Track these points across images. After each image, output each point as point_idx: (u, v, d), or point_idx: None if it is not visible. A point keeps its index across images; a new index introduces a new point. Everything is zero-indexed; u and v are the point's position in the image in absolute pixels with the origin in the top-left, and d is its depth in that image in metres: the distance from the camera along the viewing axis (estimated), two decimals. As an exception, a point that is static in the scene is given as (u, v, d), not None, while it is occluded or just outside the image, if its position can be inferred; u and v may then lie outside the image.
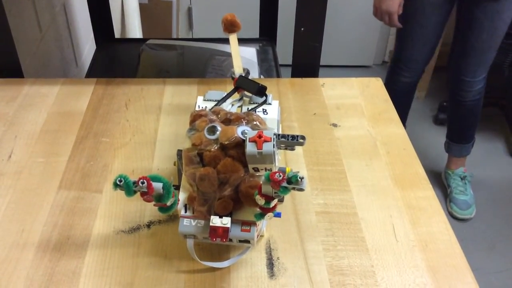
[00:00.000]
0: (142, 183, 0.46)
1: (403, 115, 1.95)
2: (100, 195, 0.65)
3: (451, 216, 1.88)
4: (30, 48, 1.15)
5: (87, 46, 1.58)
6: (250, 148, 0.49)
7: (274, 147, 0.50)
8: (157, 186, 0.47)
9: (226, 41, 1.20)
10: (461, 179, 1.93)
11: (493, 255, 1.72)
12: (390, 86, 1.85)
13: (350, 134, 0.76)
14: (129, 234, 0.60)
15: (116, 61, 1.29)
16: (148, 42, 1.23)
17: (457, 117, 1.87)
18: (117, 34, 1.53)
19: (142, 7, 2.02)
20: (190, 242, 0.54)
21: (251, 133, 0.50)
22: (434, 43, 1.74)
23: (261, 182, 0.48)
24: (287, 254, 0.58)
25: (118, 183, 0.45)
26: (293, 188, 0.46)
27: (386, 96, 0.84)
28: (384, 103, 0.83)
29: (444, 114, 2.21)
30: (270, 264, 0.57)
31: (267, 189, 0.47)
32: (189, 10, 2.48)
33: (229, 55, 1.18)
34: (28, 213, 0.62)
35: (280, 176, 0.45)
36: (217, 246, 0.58)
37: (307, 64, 0.90)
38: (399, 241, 0.60)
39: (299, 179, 0.45)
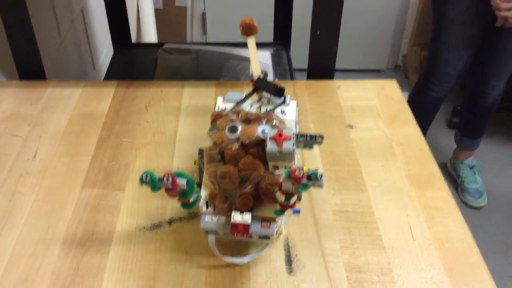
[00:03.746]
0: (167, 179, 0.47)
1: (425, 126, 1.93)
2: (122, 193, 0.67)
3: (465, 205, 1.90)
4: (50, 52, 1.17)
5: (105, 50, 1.61)
6: (270, 146, 0.51)
7: (293, 145, 0.51)
8: (181, 182, 0.49)
9: (239, 45, 1.23)
10: (470, 168, 1.94)
11: (508, 259, 1.71)
12: (418, 97, 1.82)
13: (366, 135, 0.77)
14: (151, 230, 0.62)
15: (133, 65, 1.31)
16: (164, 46, 1.26)
17: (474, 115, 1.86)
18: (133, 39, 1.55)
19: (157, 12, 2.05)
20: (211, 238, 0.56)
21: (271, 132, 0.52)
22: (470, 55, 1.68)
23: (281, 180, 0.50)
24: (305, 251, 0.59)
25: (144, 179, 0.47)
26: (313, 185, 0.47)
27: (402, 97, 0.85)
28: (399, 105, 0.84)
29: (457, 118, 2.21)
30: (289, 261, 0.58)
31: (287, 186, 0.49)
32: (203, 15, 2.50)
33: (242, 59, 1.21)
34: (53, 211, 0.64)
35: (300, 173, 0.47)
36: (237, 243, 0.59)
37: (322, 67, 0.91)
38: (416, 240, 0.61)
39: (319, 176, 0.46)
